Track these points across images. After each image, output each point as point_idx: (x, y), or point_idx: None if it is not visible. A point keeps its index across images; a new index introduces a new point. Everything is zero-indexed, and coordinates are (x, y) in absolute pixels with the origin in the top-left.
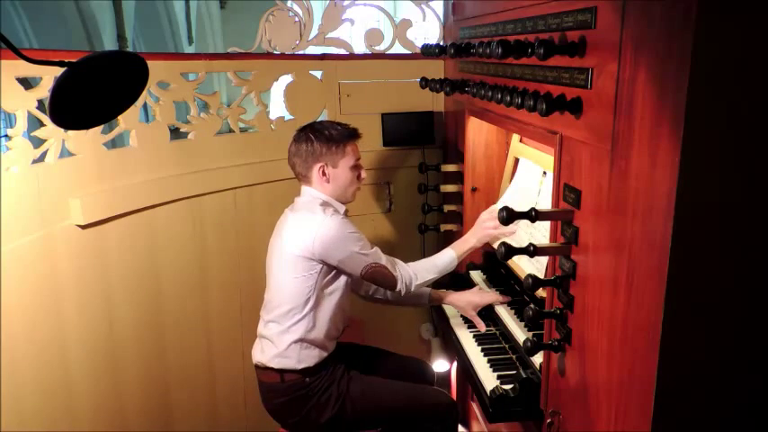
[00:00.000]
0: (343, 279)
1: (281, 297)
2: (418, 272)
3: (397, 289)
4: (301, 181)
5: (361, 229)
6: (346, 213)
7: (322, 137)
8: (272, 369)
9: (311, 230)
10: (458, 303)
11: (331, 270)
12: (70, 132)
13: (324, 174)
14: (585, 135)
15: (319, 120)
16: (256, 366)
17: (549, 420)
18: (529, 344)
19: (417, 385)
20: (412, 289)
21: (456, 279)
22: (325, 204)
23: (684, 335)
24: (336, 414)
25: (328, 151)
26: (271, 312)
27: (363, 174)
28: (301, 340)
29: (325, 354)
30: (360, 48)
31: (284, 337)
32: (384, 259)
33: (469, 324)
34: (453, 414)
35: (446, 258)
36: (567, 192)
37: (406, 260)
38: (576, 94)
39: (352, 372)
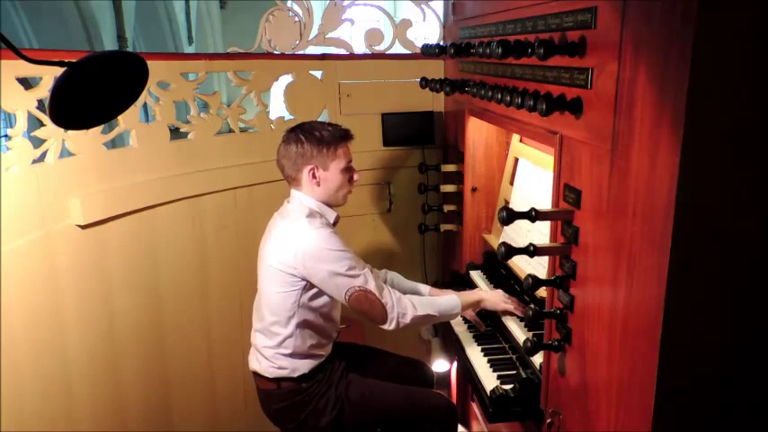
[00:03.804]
0: None
1: (266, 308)
2: (416, 305)
3: (387, 321)
4: (290, 184)
5: (360, 229)
6: (338, 220)
7: (313, 138)
8: (268, 378)
9: (293, 245)
10: (468, 300)
11: (314, 286)
12: (70, 132)
13: (314, 176)
14: (585, 135)
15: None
16: (254, 373)
17: (549, 420)
18: (529, 344)
19: (417, 388)
20: (407, 321)
21: (456, 279)
22: (312, 214)
23: (684, 335)
24: (335, 418)
25: (319, 153)
26: (259, 321)
27: (357, 176)
28: (292, 354)
29: (320, 359)
30: (360, 48)
31: (274, 353)
32: (374, 285)
33: (469, 324)
34: (452, 417)
35: (450, 303)
36: (567, 192)
37: (406, 260)
38: (576, 94)
39: (350, 375)
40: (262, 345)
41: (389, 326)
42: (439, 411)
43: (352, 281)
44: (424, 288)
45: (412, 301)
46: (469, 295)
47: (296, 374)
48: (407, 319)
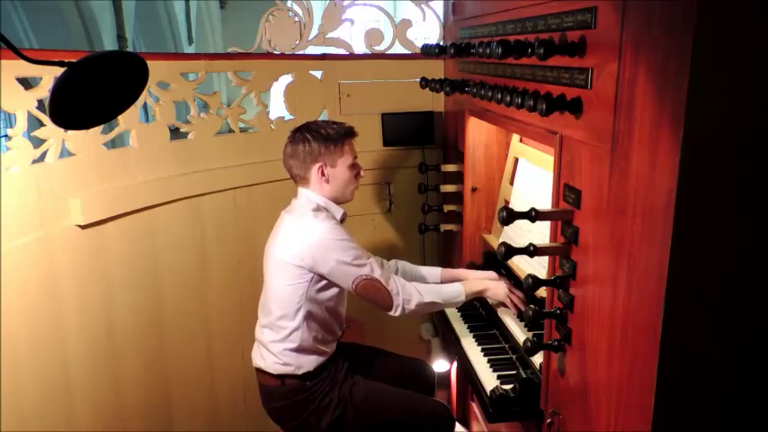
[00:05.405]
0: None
1: (273, 302)
2: (422, 291)
3: (393, 308)
4: (298, 183)
5: (361, 229)
6: (345, 217)
7: (319, 136)
8: (272, 375)
9: (299, 237)
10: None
11: (322, 278)
12: (70, 132)
13: (323, 174)
14: (585, 135)
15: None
16: (257, 370)
17: (548, 420)
18: (529, 344)
19: (420, 396)
20: (413, 307)
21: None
22: (318, 209)
23: (684, 335)
24: (336, 419)
25: (326, 151)
26: (265, 316)
27: (362, 172)
28: (297, 349)
29: (324, 357)
30: (360, 48)
31: (280, 347)
32: (380, 273)
33: (469, 324)
34: (449, 427)
35: (454, 291)
36: (567, 192)
37: (406, 260)
38: (576, 94)
39: (355, 377)
40: (268, 340)
41: (395, 312)
42: (437, 422)
43: (359, 269)
44: (435, 270)
45: (417, 288)
46: (474, 284)
47: (300, 372)
48: (412, 305)
